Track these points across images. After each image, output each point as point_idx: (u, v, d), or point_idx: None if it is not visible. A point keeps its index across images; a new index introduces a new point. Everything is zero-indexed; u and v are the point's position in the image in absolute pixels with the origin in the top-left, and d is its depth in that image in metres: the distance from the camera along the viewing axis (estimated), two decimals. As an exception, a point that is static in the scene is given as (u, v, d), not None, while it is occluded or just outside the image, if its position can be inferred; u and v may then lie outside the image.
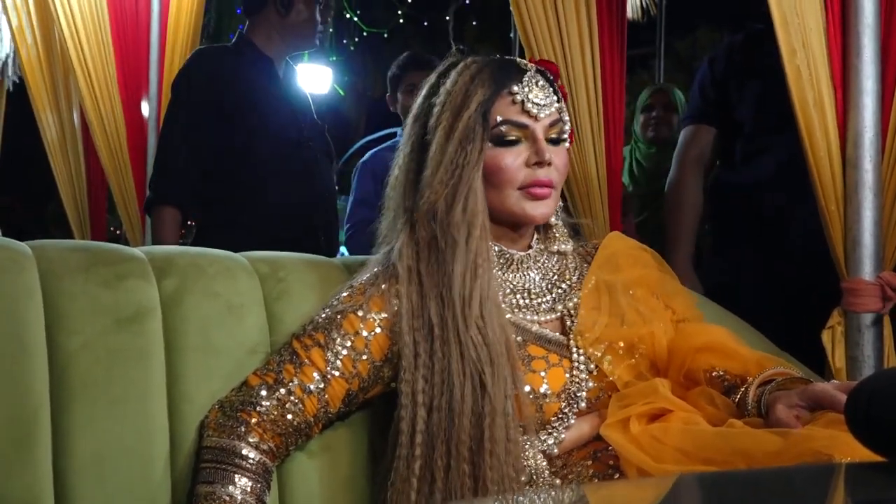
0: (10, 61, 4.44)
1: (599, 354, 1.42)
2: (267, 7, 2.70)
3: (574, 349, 1.42)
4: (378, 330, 1.39)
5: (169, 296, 1.42)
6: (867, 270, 1.80)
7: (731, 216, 2.53)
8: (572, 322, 1.45)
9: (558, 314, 1.46)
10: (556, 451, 1.39)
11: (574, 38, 2.28)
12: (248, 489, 1.30)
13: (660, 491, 0.91)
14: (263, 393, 1.35)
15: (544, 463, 1.38)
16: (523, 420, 1.35)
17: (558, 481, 1.37)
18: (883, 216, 1.81)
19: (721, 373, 1.42)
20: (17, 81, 4.41)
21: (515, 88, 1.42)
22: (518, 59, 1.49)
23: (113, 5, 3.45)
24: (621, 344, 1.43)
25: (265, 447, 1.33)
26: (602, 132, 2.33)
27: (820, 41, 1.80)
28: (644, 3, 4.94)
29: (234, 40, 2.84)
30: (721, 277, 2.58)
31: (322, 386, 1.37)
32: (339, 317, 1.39)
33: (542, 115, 1.42)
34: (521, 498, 0.96)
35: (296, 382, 1.36)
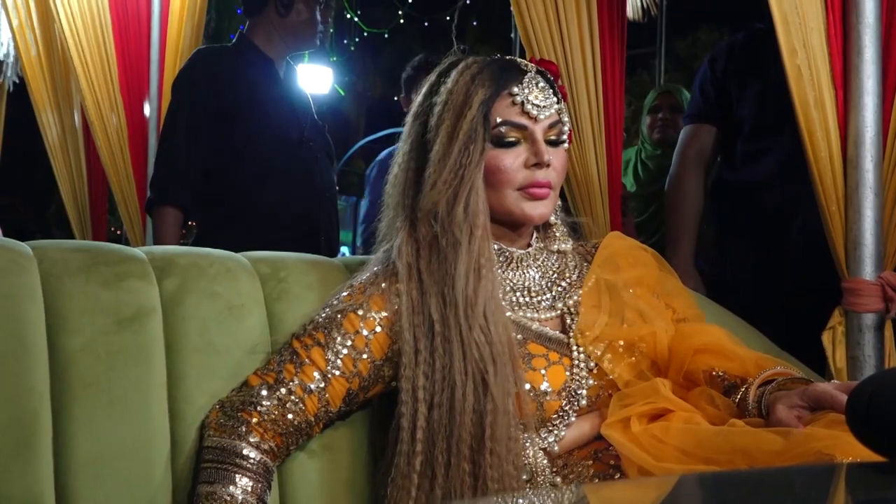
0: (10, 61, 4.44)
1: (599, 353, 1.42)
2: (267, 7, 2.70)
3: (574, 347, 1.42)
4: (378, 329, 1.39)
5: (169, 296, 1.42)
6: (868, 270, 1.80)
7: (732, 216, 2.53)
8: (572, 320, 1.45)
9: (558, 312, 1.46)
10: (556, 448, 1.39)
11: (574, 38, 2.28)
12: (249, 489, 1.30)
13: (661, 491, 0.91)
14: (264, 393, 1.35)
15: (545, 461, 1.39)
16: (524, 418, 1.35)
17: (559, 479, 1.37)
18: (884, 216, 1.81)
19: (721, 373, 1.42)
20: (18, 82, 4.41)
21: (515, 89, 1.42)
22: (518, 60, 1.49)
23: (114, 5, 3.45)
24: (621, 342, 1.43)
25: (266, 447, 1.33)
26: (602, 132, 2.33)
27: (821, 41, 1.80)
28: (644, 3, 4.94)
29: (234, 41, 2.84)
30: (722, 277, 2.59)
31: (323, 385, 1.37)
32: (339, 316, 1.40)
33: (541, 117, 1.43)
34: (521, 500, 0.96)
35: (296, 382, 1.36)
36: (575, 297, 1.47)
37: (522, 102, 1.42)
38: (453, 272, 1.37)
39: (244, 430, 1.33)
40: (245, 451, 1.32)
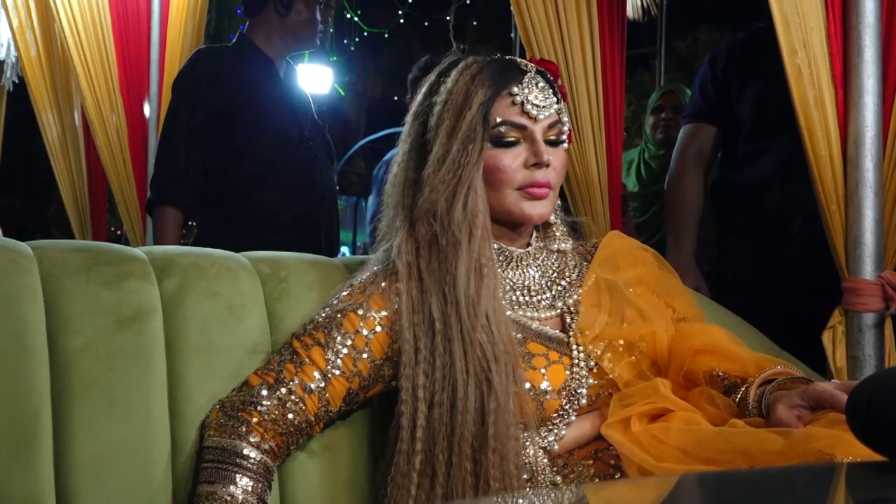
0: (10, 61, 4.44)
1: (599, 352, 1.42)
2: (267, 7, 2.70)
3: (574, 346, 1.42)
4: (378, 328, 1.39)
5: (170, 296, 1.42)
6: (868, 270, 1.80)
7: (733, 215, 2.53)
8: (572, 319, 1.45)
9: (558, 311, 1.46)
10: (556, 447, 1.39)
11: (574, 38, 2.28)
12: (250, 489, 1.30)
13: (661, 491, 0.91)
14: (264, 392, 1.35)
15: (545, 460, 1.39)
16: (524, 417, 1.35)
17: (559, 478, 1.37)
18: (884, 215, 1.81)
19: (721, 373, 1.42)
20: (17, 82, 4.42)
21: (515, 89, 1.42)
22: (518, 60, 1.49)
23: (114, 5, 3.45)
24: (621, 342, 1.44)
25: (266, 447, 1.33)
26: (602, 131, 2.33)
27: (821, 40, 1.80)
28: (644, 2, 4.94)
29: (234, 40, 2.84)
30: (722, 277, 2.59)
31: (323, 385, 1.37)
32: (339, 316, 1.40)
33: (541, 117, 1.43)
34: (521, 500, 0.96)
35: (296, 382, 1.36)
36: (575, 297, 1.47)
37: (522, 102, 1.42)
38: (454, 271, 1.37)
39: (244, 429, 1.33)
40: (245, 451, 1.32)
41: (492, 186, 1.43)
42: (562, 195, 1.57)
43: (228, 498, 1.28)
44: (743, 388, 1.36)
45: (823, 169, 1.81)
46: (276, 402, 1.35)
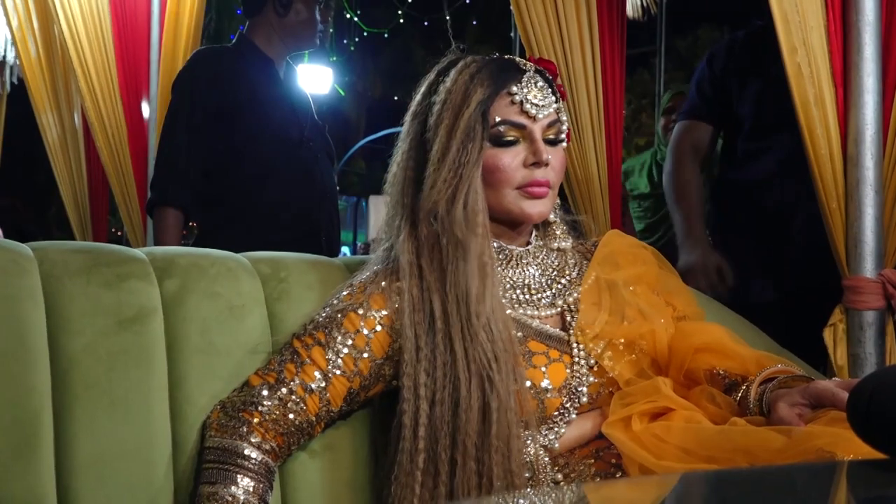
0: (9, 63, 4.44)
1: (599, 350, 1.42)
2: (266, 8, 2.70)
3: (574, 345, 1.42)
4: (379, 328, 1.39)
5: (170, 296, 1.42)
6: (868, 268, 1.80)
7: (733, 214, 2.53)
8: (572, 317, 1.45)
9: (558, 310, 1.46)
10: (557, 446, 1.39)
11: (574, 38, 2.28)
12: (251, 489, 1.30)
13: (662, 490, 0.91)
14: (265, 393, 1.35)
15: (546, 458, 1.39)
16: (525, 415, 1.35)
17: (560, 476, 1.37)
18: (884, 214, 1.81)
19: (721, 372, 1.42)
20: (17, 83, 4.42)
21: (514, 89, 1.42)
22: (517, 59, 1.49)
23: (114, 6, 3.45)
24: (621, 340, 1.44)
25: (267, 447, 1.33)
26: (602, 131, 2.33)
27: (821, 39, 1.80)
28: (644, 1, 4.94)
29: (234, 41, 2.84)
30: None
31: (324, 385, 1.37)
32: (339, 315, 1.40)
33: (540, 116, 1.43)
34: (521, 500, 0.96)
35: (297, 381, 1.36)
36: (575, 295, 1.47)
37: (521, 102, 1.42)
38: (455, 270, 1.38)
39: (245, 430, 1.33)
40: (246, 452, 1.32)
41: (491, 186, 1.43)
42: (561, 194, 1.57)
43: (230, 498, 1.28)
44: (744, 387, 1.36)
45: (824, 167, 1.81)
46: (276, 402, 1.35)
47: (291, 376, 1.36)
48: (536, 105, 1.42)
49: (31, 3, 3.87)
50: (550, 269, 1.51)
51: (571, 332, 1.44)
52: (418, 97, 1.48)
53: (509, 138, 1.42)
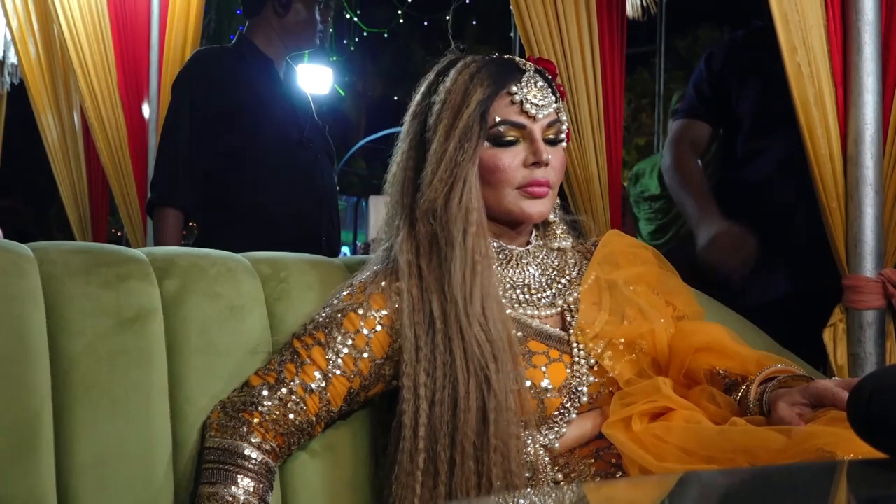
0: (9, 63, 4.45)
1: (600, 350, 1.42)
2: (265, 8, 2.70)
3: (574, 345, 1.43)
4: (379, 328, 1.39)
5: (170, 297, 1.42)
6: (868, 267, 1.80)
7: (733, 213, 2.53)
8: (572, 317, 1.45)
9: (558, 309, 1.46)
10: (557, 445, 1.40)
11: (574, 37, 2.28)
12: (251, 489, 1.30)
13: (662, 490, 0.91)
14: (265, 393, 1.35)
15: (546, 458, 1.39)
16: (525, 415, 1.35)
17: (560, 476, 1.37)
18: (884, 213, 1.81)
19: (721, 372, 1.42)
20: (17, 84, 4.42)
21: (514, 89, 1.42)
22: (517, 59, 1.49)
23: (113, 7, 3.45)
24: (621, 340, 1.44)
25: (267, 447, 1.33)
26: (602, 131, 2.33)
27: (820, 38, 1.80)
28: (644, 1, 4.94)
29: (234, 41, 2.84)
30: (723, 275, 2.58)
31: (324, 385, 1.37)
32: (339, 315, 1.40)
33: (540, 116, 1.43)
34: (522, 500, 0.96)
35: (297, 382, 1.36)
36: (575, 295, 1.48)
37: (521, 101, 1.42)
38: (450, 269, 1.38)
39: (245, 430, 1.33)
40: (246, 452, 1.32)
41: (491, 185, 1.43)
42: (561, 194, 1.57)
43: (230, 498, 1.28)
44: (744, 387, 1.36)
45: (824, 167, 1.81)
46: (276, 402, 1.35)
47: (291, 376, 1.37)
48: (536, 105, 1.42)
49: (31, 4, 3.88)
50: (550, 269, 1.51)
51: (571, 331, 1.44)
52: (418, 97, 1.48)
53: (509, 138, 1.42)
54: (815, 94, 1.80)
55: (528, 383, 1.37)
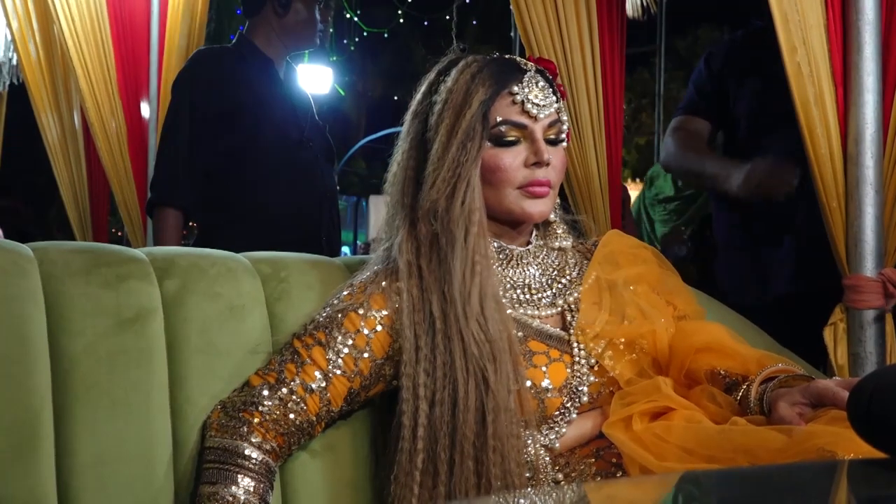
0: (9, 64, 4.44)
1: (600, 350, 1.42)
2: (265, 8, 2.70)
3: (575, 344, 1.43)
4: (379, 328, 1.39)
5: (170, 297, 1.42)
6: (869, 267, 1.80)
7: (733, 213, 2.53)
8: (573, 317, 1.45)
9: (559, 309, 1.46)
10: (557, 445, 1.40)
11: (574, 38, 2.28)
12: (251, 489, 1.30)
13: (663, 489, 0.91)
14: (265, 393, 1.35)
15: (547, 458, 1.39)
16: (525, 415, 1.35)
17: (560, 476, 1.37)
18: (884, 213, 1.81)
19: (722, 371, 1.42)
20: (17, 83, 4.42)
21: (516, 89, 1.42)
22: (518, 59, 1.49)
23: (113, 7, 3.45)
24: (622, 340, 1.44)
25: (268, 447, 1.33)
26: (602, 131, 2.33)
27: (820, 38, 1.80)
28: (644, 1, 4.94)
29: (234, 41, 2.84)
30: (723, 274, 2.59)
31: (324, 385, 1.37)
32: (339, 315, 1.40)
33: (541, 116, 1.43)
34: (522, 499, 0.96)
35: (297, 381, 1.36)
36: (575, 294, 1.48)
37: (523, 101, 1.42)
38: (451, 269, 1.38)
39: (246, 430, 1.33)
40: (247, 452, 1.32)
41: (492, 185, 1.43)
42: (561, 194, 1.57)
43: (230, 498, 1.28)
44: (744, 386, 1.36)
45: (824, 166, 1.81)
46: (277, 402, 1.35)
47: (292, 376, 1.37)
48: (538, 105, 1.43)
49: (31, 4, 3.87)
50: (551, 269, 1.51)
51: (572, 331, 1.44)
52: (419, 97, 1.48)
53: (510, 138, 1.42)
54: (815, 94, 1.80)
55: (528, 383, 1.37)
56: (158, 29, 3.43)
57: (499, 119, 1.42)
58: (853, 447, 1.10)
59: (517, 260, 1.49)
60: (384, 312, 1.40)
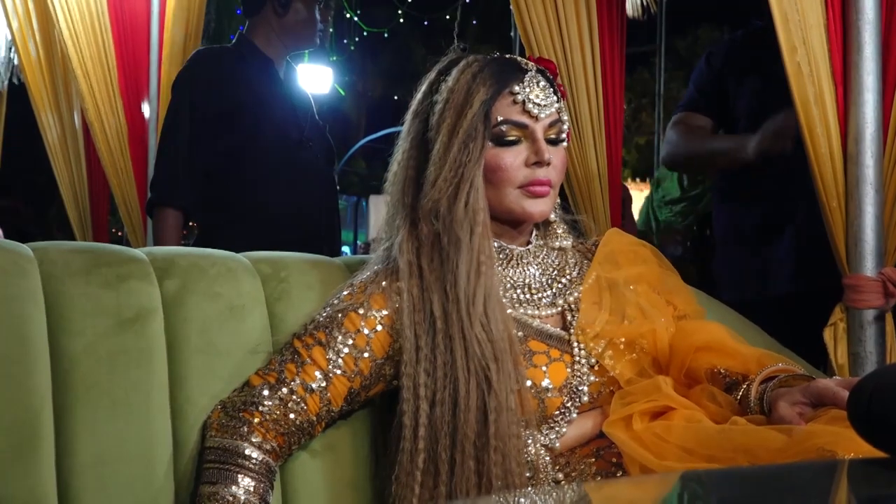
0: (8, 63, 4.44)
1: (600, 350, 1.42)
2: (265, 8, 2.70)
3: (575, 344, 1.43)
4: (379, 327, 1.39)
5: (170, 297, 1.42)
6: (869, 266, 1.80)
7: (733, 213, 2.53)
8: (573, 317, 1.45)
9: (559, 309, 1.46)
10: (558, 445, 1.40)
11: (574, 37, 2.28)
12: (252, 489, 1.30)
13: (663, 489, 0.91)
14: (265, 392, 1.35)
15: (547, 458, 1.39)
16: (525, 415, 1.36)
17: (561, 475, 1.37)
18: (884, 212, 1.81)
19: (722, 371, 1.42)
20: (17, 83, 4.42)
21: (517, 88, 1.42)
22: (519, 59, 1.49)
23: (113, 7, 3.45)
24: (622, 340, 1.44)
25: (268, 447, 1.33)
26: (602, 130, 2.33)
27: (820, 38, 1.80)
28: (644, 1, 4.94)
29: (234, 41, 2.84)
30: (723, 274, 2.59)
31: (324, 384, 1.37)
32: (340, 315, 1.40)
33: (542, 116, 1.43)
34: (522, 499, 0.96)
35: (298, 381, 1.36)
36: (575, 294, 1.48)
37: (524, 101, 1.42)
38: (454, 269, 1.38)
39: (246, 430, 1.33)
40: (247, 451, 1.32)
41: (493, 185, 1.43)
42: (561, 194, 1.57)
43: (230, 498, 1.28)
44: (744, 386, 1.36)
45: (824, 166, 1.81)
46: (277, 402, 1.35)
47: (292, 376, 1.37)
48: (538, 105, 1.43)
49: (31, 4, 3.87)
50: (551, 269, 1.51)
51: (572, 331, 1.44)
52: (419, 96, 1.48)
53: (511, 138, 1.42)
54: (815, 94, 1.80)
55: (528, 383, 1.37)
56: (158, 29, 3.42)
57: (500, 118, 1.42)
58: (853, 447, 1.10)
59: (517, 260, 1.49)
60: (384, 312, 1.40)
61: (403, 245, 1.42)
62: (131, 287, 1.40)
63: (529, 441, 1.38)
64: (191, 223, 2.81)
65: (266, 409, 1.34)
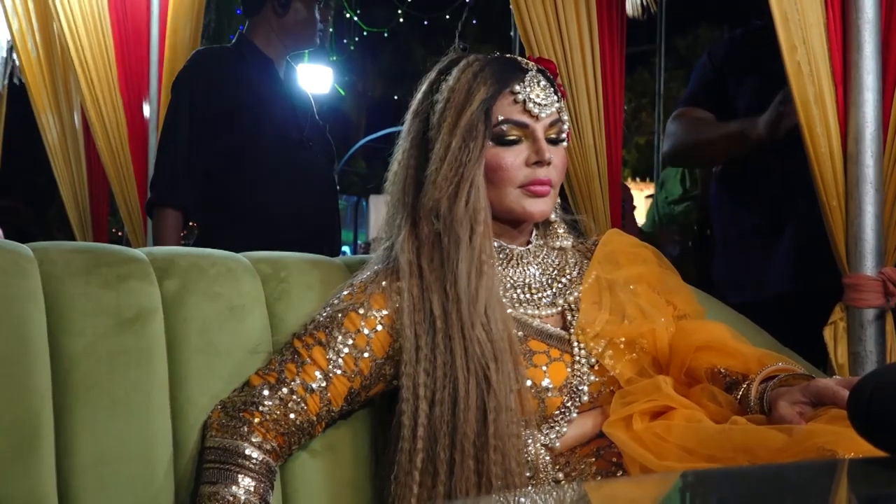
0: (8, 64, 4.44)
1: (600, 349, 1.42)
2: (265, 7, 2.70)
3: (575, 344, 1.43)
4: (379, 327, 1.39)
5: (170, 297, 1.42)
6: (869, 266, 1.80)
7: (733, 212, 2.53)
8: (573, 316, 1.45)
9: (559, 309, 1.46)
10: (558, 445, 1.40)
11: (574, 37, 2.28)
12: (252, 489, 1.30)
13: (663, 488, 0.91)
14: (266, 392, 1.35)
15: (547, 457, 1.39)
16: (525, 415, 1.36)
17: (561, 475, 1.37)
18: (884, 211, 1.81)
19: (722, 370, 1.42)
20: (18, 83, 4.42)
21: (517, 88, 1.42)
22: (519, 58, 1.49)
23: (113, 6, 3.45)
24: (622, 339, 1.44)
25: (268, 447, 1.33)
26: (602, 130, 2.33)
27: (820, 37, 1.80)
28: (644, 0, 4.95)
29: (234, 41, 2.84)
30: (723, 273, 2.59)
31: (324, 384, 1.37)
32: (340, 315, 1.40)
33: (542, 115, 1.43)
34: (522, 498, 0.96)
35: (298, 381, 1.36)
36: (575, 294, 1.48)
37: (524, 101, 1.42)
38: (455, 269, 1.38)
39: (246, 430, 1.33)
40: (247, 451, 1.32)
41: (493, 184, 1.43)
42: (561, 193, 1.57)
43: (231, 498, 1.28)
44: (744, 385, 1.36)
45: (823, 165, 1.81)
46: (277, 401, 1.35)
47: (292, 376, 1.37)
48: (539, 104, 1.43)
49: (31, 4, 3.87)
50: (551, 269, 1.51)
51: (572, 331, 1.44)
52: (419, 96, 1.48)
53: (512, 137, 1.43)
54: (814, 93, 1.80)
55: (528, 383, 1.37)
56: (159, 29, 3.42)
57: (500, 118, 1.42)
58: (853, 446, 1.10)
59: (517, 259, 1.49)
60: (384, 312, 1.40)
61: (404, 244, 1.42)
62: (131, 287, 1.40)
63: (529, 441, 1.38)
64: (191, 223, 2.81)
65: (266, 409, 1.34)
